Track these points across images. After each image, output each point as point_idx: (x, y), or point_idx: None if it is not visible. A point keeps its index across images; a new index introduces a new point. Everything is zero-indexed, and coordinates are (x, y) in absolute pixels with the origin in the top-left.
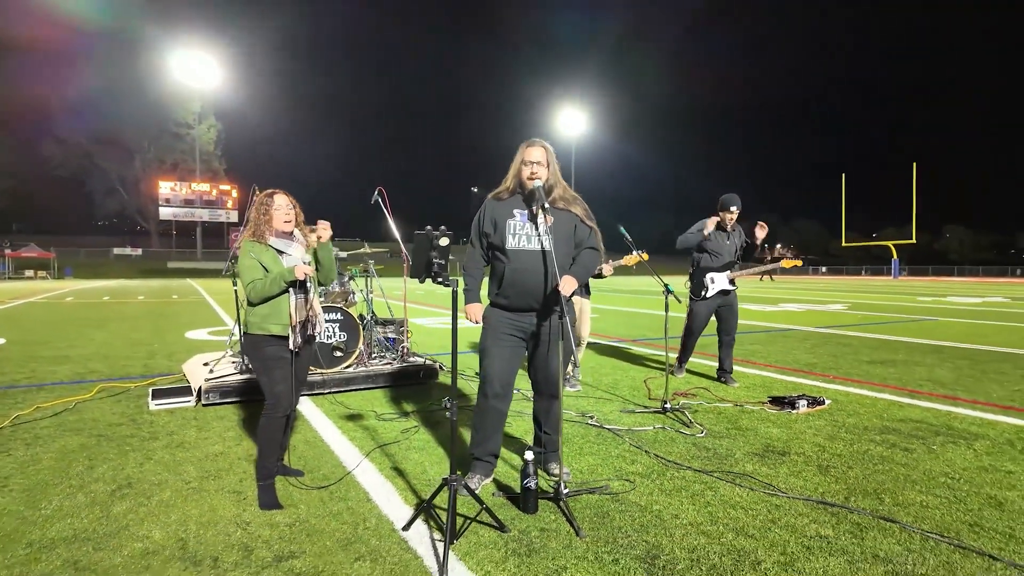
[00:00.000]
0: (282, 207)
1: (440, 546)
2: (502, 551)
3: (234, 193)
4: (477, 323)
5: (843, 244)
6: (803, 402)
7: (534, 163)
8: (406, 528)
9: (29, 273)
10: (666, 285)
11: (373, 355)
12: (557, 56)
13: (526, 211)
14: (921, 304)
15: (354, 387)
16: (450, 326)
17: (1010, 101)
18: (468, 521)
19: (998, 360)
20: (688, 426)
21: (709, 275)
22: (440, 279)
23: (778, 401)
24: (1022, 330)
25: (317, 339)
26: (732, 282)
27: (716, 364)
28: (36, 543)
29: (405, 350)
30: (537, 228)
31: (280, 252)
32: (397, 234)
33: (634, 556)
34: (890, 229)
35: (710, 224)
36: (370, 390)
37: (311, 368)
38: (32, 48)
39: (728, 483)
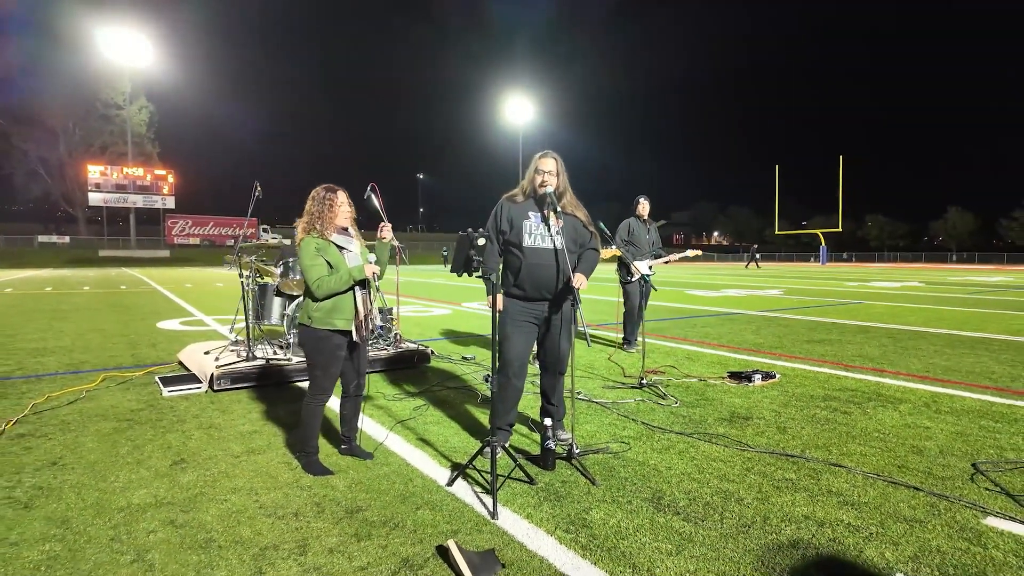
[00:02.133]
0: (344, 203)
1: (483, 497)
2: (535, 498)
3: (170, 178)
4: (500, 311)
5: (776, 232)
6: (758, 376)
7: (546, 172)
8: (449, 484)
9: None
10: (643, 275)
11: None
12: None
13: (539, 213)
14: (848, 289)
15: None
16: (425, 314)
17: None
18: (504, 477)
19: (915, 338)
20: (663, 398)
21: (635, 263)
22: (478, 273)
23: (736, 376)
24: (934, 311)
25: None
26: (650, 268)
27: (673, 345)
28: (127, 508)
29: (398, 337)
30: (549, 229)
31: (341, 248)
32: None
33: (643, 498)
34: (818, 218)
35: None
36: (369, 374)
37: None
38: None
39: (706, 442)
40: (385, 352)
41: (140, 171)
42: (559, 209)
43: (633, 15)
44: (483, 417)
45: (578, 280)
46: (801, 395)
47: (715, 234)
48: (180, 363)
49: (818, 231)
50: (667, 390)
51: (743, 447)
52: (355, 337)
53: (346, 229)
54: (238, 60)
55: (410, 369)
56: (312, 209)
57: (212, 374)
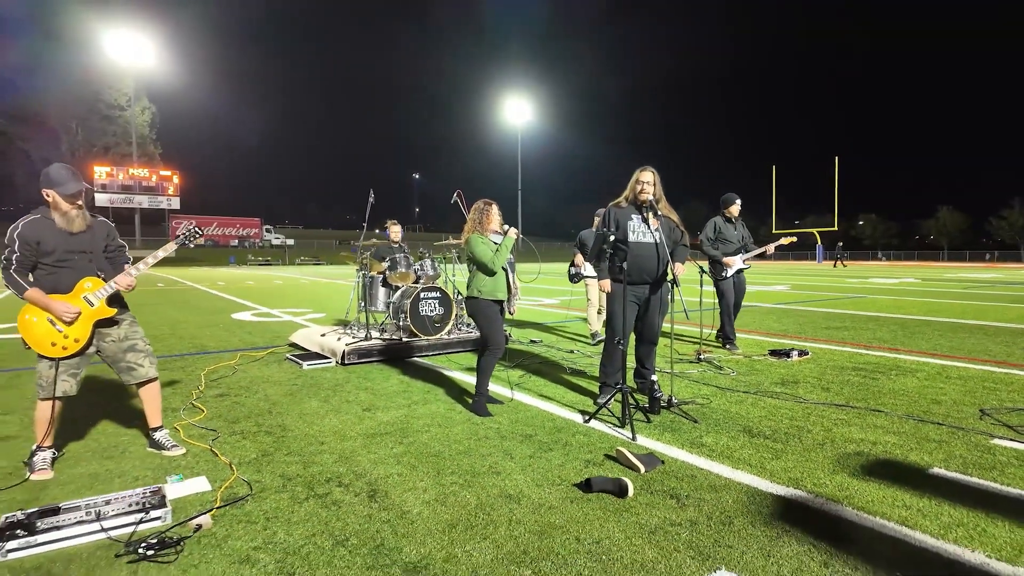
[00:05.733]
0: (496, 214)
1: (617, 429)
2: (656, 430)
3: (175, 179)
4: (609, 292)
5: (773, 231)
6: (795, 353)
7: (645, 182)
8: (586, 421)
9: None
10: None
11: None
12: (497, 44)
13: (640, 215)
14: (850, 284)
15: (450, 350)
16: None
17: (916, 103)
18: (634, 408)
19: (921, 325)
20: (720, 370)
21: (727, 259)
22: (606, 260)
23: (776, 353)
24: (935, 304)
25: (421, 312)
26: (744, 263)
27: (707, 331)
28: (362, 435)
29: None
30: (649, 227)
31: (495, 243)
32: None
33: (737, 430)
34: (812, 217)
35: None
36: (460, 353)
37: (419, 334)
38: None
39: (769, 397)
40: (474, 334)
41: (145, 172)
42: (659, 212)
43: (624, 15)
44: (578, 382)
45: (678, 268)
46: (833, 366)
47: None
48: (294, 344)
49: (814, 230)
50: (720, 364)
51: (799, 400)
52: (507, 306)
53: (496, 231)
54: (236, 61)
55: None
56: (475, 216)
57: (343, 351)
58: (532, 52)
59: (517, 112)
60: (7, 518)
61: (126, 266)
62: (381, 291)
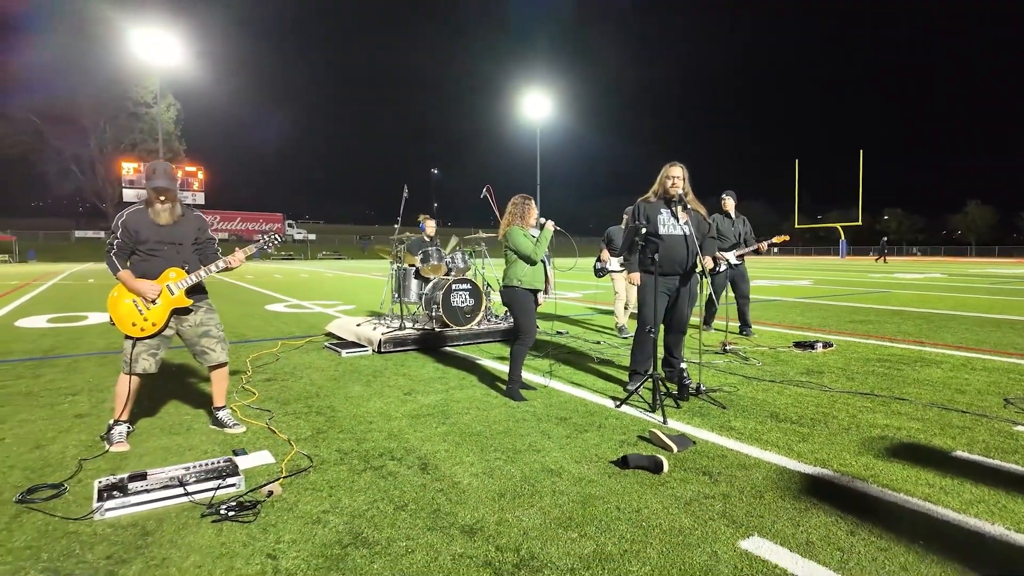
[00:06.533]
0: (534, 209)
1: (649, 414)
2: (686, 415)
3: (200, 175)
4: (640, 284)
5: (796, 226)
6: (819, 344)
7: (675, 177)
8: (618, 406)
9: None
10: (731, 265)
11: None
12: (515, 40)
13: (669, 209)
14: (873, 279)
15: (480, 340)
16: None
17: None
18: (664, 394)
19: (946, 319)
20: (746, 360)
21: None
22: (637, 252)
23: (800, 344)
24: (960, 299)
25: (453, 304)
26: (740, 258)
27: (734, 324)
28: (407, 415)
29: (507, 313)
30: (679, 220)
31: (533, 237)
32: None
33: (764, 415)
34: (834, 212)
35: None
36: (489, 343)
37: (450, 324)
38: None
39: (795, 386)
40: (503, 325)
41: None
42: (688, 206)
43: (649, 9)
44: (607, 371)
45: (707, 260)
46: (858, 358)
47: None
48: (330, 333)
49: (837, 224)
50: (746, 355)
51: (825, 388)
52: (540, 296)
53: (532, 225)
54: (259, 59)
55: None
56: (514, 211)
57: (380, 339)
58: (553, 47)
59: (537, 107)
60: (102, 482)
61: (216, 262)
62: (414, 283)
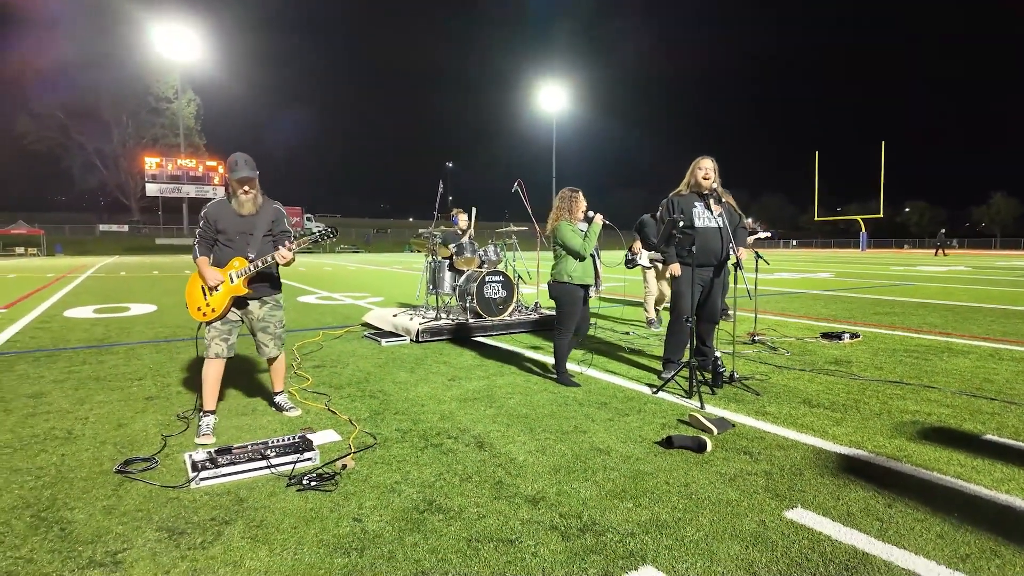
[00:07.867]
0: (582, 201)
1: (685, 400)
2: (721, 401)
3: (220, 169)
4: (676, 275)
5: (815, 219)
6: (846, 335)
7: (707, 169)
8: (655, 392)
9: (20, 251)
10: (757, 253)
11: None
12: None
13: (702, 202)
14: (896, 272)
15: (512, 331)
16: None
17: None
18: (699, 381)
19: (971, 311)
20: (775, 350)
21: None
22: (674, 245)
23: (828, 335)
24: (985, 291)
25: (486, 295)
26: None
27: (759, 316)
28: (455, 399)
29: (536, 305)
30: (712, 213)
31: (582, 231)
32: (533, 220)
33: (797, 402)
34: (853, 205)
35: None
36: (521, 333)
37: (484, 315)
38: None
39: (824, 375)
40: (534, 316)
41: (192, 162)
42: (720, 198)
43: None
44: (640, 360)
45: (742, 252)
46: (885, 348)
47: (748, 221)
48: (367, 324)
49: (858, 217)
50: (775, 345)
51: (854, 377)
52: (591, 290)
53: (579, 219)
54: (277, 53)
55: (550, 330)
56: (561, 205)
57: (418, 329)
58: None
59: (553, 99)
60: (193, 455)
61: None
62: (448, 275)
